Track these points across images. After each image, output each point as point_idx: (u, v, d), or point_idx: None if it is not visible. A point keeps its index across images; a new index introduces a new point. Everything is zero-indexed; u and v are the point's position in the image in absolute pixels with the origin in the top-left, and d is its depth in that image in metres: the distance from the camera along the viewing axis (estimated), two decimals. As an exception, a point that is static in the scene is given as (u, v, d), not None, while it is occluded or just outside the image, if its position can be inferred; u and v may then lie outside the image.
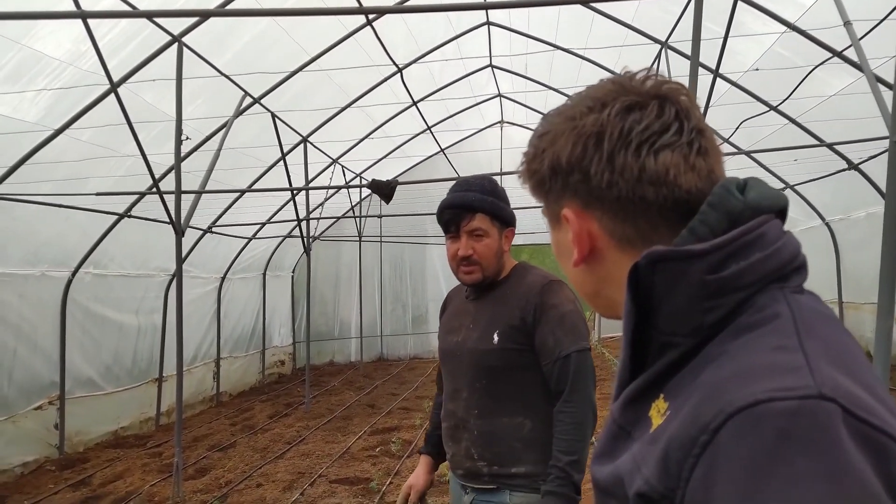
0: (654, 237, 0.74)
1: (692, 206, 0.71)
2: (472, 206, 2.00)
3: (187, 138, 5.51)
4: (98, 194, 6.14)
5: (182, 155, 5.69)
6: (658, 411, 0.67)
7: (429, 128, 10.55)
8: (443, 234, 2.10)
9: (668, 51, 6.89)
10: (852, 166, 7.88)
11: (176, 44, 5.40)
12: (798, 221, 10.91)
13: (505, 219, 2.06)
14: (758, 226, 0.67)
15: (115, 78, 5.12)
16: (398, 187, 6.32)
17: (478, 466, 1.98)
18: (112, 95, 5.08)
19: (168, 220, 5.67)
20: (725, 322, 0.65)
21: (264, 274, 11.96)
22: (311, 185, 8.61)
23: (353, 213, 11.66)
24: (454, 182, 2.15)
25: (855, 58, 5.30)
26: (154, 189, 5.63)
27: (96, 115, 5.72)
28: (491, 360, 1.98)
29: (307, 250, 9.57)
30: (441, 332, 2.23)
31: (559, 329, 1.93)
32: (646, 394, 0.70)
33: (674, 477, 0.59)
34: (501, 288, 2.08)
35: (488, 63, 9.22)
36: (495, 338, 1.98)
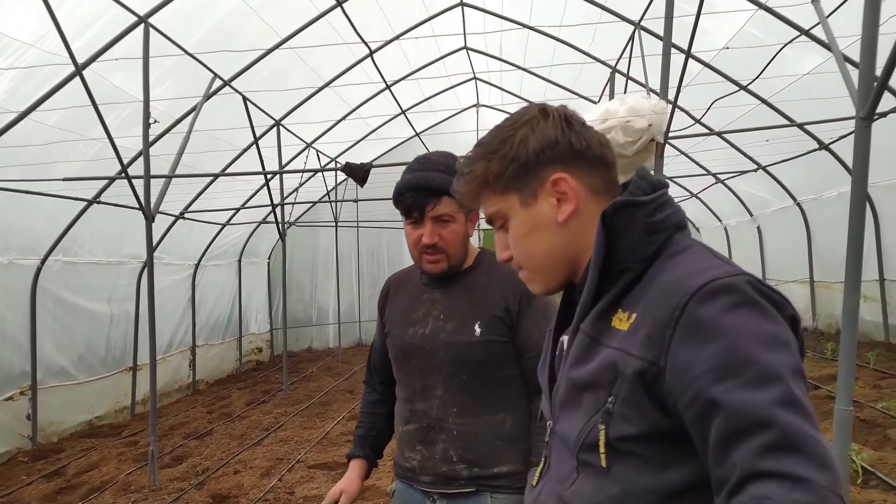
0: (611, 188, 1.09)
1: (613, 166, 1.10)
2: (437, 188, 1.79)
3: (155, 121, 5.40)
4: (65, 179, 6.01)
5: (151, 139, 5.59)
6: (620, 320, 0.96)
7: (403, 112, 10.48)
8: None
9: (641, 31, 6.89)
10: (823, 146, 7.97)
11: (142, 24, 5.28)
12: (770, 202, 11.04)
13: None
14: (665, 192, 1.03)
15: (80, 60, 5.00)
16: (374, 171, 6.29)
17: (456, 470, 1.81)
18: (77, 78, 4.96)
19: (138, 205, 5.58)
20: (658, 253, 0.99)
21: (239, 261, 11.84)
22: (285, 169, 8.51)
23: (329, 197, 11.56)
24: (414, 159, 1.91)
25: (823, 37, 5.35)
26: (123, 174, 5.53)
27: (61, 98, 5.58)
28: (473, 354, 1.81)
29: (282, 236, 9.49)
30: (395, 323, 1.98)
31: (543, 321, 1.81)
32: (608, 311, 0.99)
33: (657, 346, 0.88)
34: (472, 276, 1.91)
35: (463, 45, 9.16)
36: (477, 329, 1.81)
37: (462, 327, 1.84)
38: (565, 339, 1.10)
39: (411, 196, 1.82)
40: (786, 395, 0.80)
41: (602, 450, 0.94)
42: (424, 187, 1.80)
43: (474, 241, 2.07)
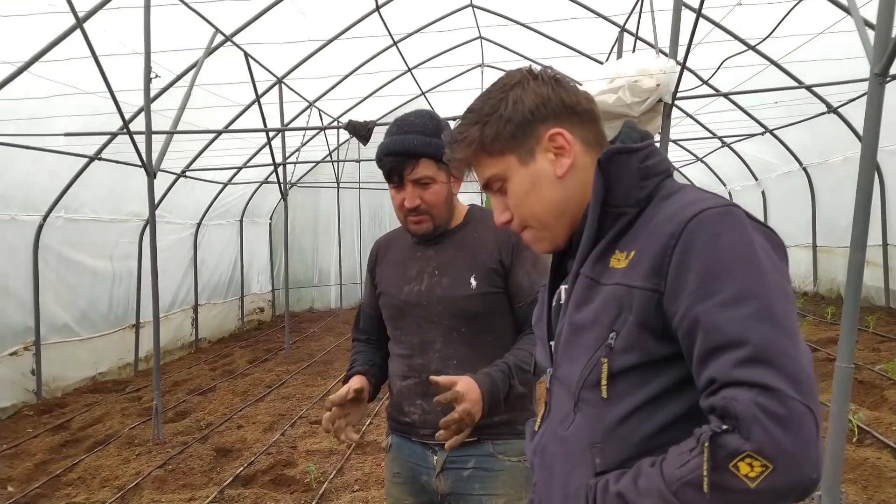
0: (601, 142, 1.14)
1: (601, 126, 1.14)
2: (414, 151, 1.79)
3: (156, 76, 5.32)
4: (66, 135, 5.96)
5: (152, 95, 5.52)
6: (618, 260, 1.01)
7: (410, 69, 10.32)
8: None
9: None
10: (832, 110, 7.88)
11: (142, -24, 5.16)
12: (776, 166, 10.97)
13: None
14: (653, 142, 1.09)
15: (81, 11, 4.90)
16: (377, 130, 6.22)
17: None
18: (78, 31, 4.87)
19: (139, 162, 5.54)
20: (651, 196, 1.05)
21: (241, 220, 11.82)
22: (287, 127, 8.42)
23: (331, 158, 11.49)
24: (393, 122, 1.90)
25: (839, -4, 5.23)
26: (125, 129, 5.48)
27: (61, 51, 5.49)
28: (470, 306, 1.84)
29: (284, 196, 9.44)
30: (389, 282, 1.98)
31: (533, 270, 1.88)
32: (606, 252, 1.05)
33: (657, 273, 0.94)
34: (464, 231, 1.94)
35: (469, 2, 8.99)
36: (472, 282, 1.85)
37: (458, 281, 1.86)
38: (563, 288, 1.15)
39: (390, 161, 1.82)
40: (765, 310, 0.85)
41: (604, 382, 0.99)
42: (402, 151, 1.80)
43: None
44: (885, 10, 2.71)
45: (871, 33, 2.89)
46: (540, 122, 1.09)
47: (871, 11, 3.44)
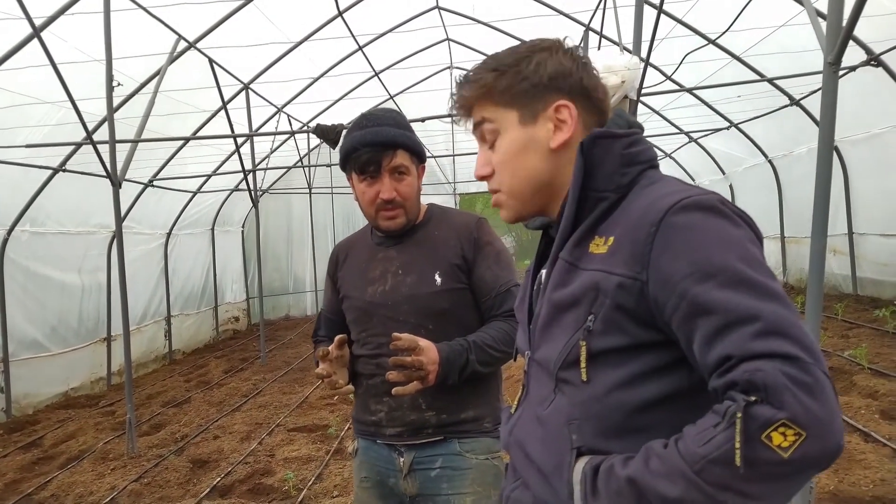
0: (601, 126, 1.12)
1: (605, 113, 1.14)
2: (394, 141, 1.80)
3: (119, 84, 5.25)
4: (28, 146, 5.85)
5: (115, 104, 5.45)
6: (597, 245, 1.02)
7: (376, 73, 10.32)
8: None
9: (614, -13, 6.82)
10: (794, 102, 8.02)
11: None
12: (742, 160, 11.15)
13: (421, 154, 1.90)
14: (639, 132, 1.10)
15: (39, 18, 4.82)
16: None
17: (425, 418, 1.83)
18: (35, 40, 4.79)
19: (104, 172, 5.45)
20: (632, 184, 1.05)
21: (212, 229, 11.70)
22: (255, 132, 8.36)
23: (302, 163, 11.41)
24: (358, 117, 1.89)
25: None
26: (88, 140, 5.39)
27: (19, 60, 5.39)
28: (436, 303, 1.84)
29: (255, 203, 9.36)
30: (352, 285, 1.96)
31: (496, 265, 1.88)
32: (585, 237, 1.05)
33: (638, 261, 0.94)
34: (425, 230, 1.93)
35: (435, 4, 9.01)
36: (437, 279, 1.84)
37: (422, 279, 1.85)
38: (544, 272, 1.14)
39: (367, 151, 1.80)
40: (764, 288, 0.86)
41: (583, 364, 0.99)
42: (380, 142, 1.80)
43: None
44: (836, 0, 2.77)
45: (823, 24, 2.95)
46: (554, 91, 1.09)
47: (824, 3, 3.54)
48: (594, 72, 1.12)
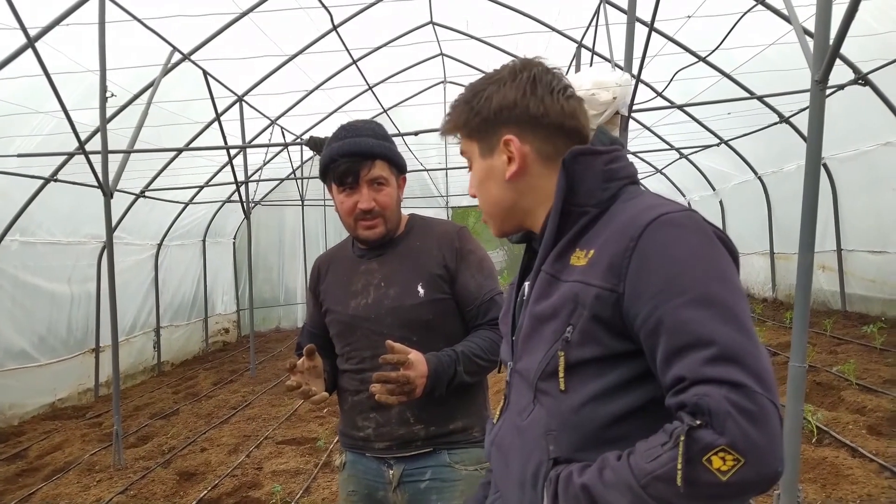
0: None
1: (584, 137, 1.14)
2: (371, 152, 1.81)
3: (112, 95, 5.26)
4: (20, 156, 5.84)
5: (108, 114, 5.44)
6: (578, 258, 1.04)
7: (370, 87, 10.37)
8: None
9: (606, 5, 6.90)
10: (783, 119, 8.11)
11: (96, -6, 5.11)
12: (732, 176, 11.23)
13: (401, 165, 1.91)
14: (620, 149, 1.12)
15: (32, 31, 4.83)
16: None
17: (414, 431, 1.82)
18: (30, 50, 4.79)
19: (96, 182, 5.44)
20: (613, 199, 1.07)
21: (204, 240, 11.67)
22: (248, 144, 8.37)
23: (295, 175, 11.42)
24: (337, 129, 1.90)
25: (783, 8, 5.40)
26: (80, 150, 5.39)
27: (13, 70, 5.39)
28: (420, 314, 1.83)
29: (247, 215, 9.36)
30: (335, 299, 1.94)
31: (479, 274, 1.88)
32: (566, 250, 1.07)
33: (616, 274, 0.96)
34: (406, 241, 1.92)
35: (429, 20, 9.08)
36: (420, 290, 1.83)
37: (405, 290, 1.85)
38: (527, 284, 1.17)
39: (345, 162, 1.81)
40: (727, 311, 0.89)
41: (561, 374, 1.01)
42: (358, 152, 1.81)
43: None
44: (823, 19, 2.82)
45: (811, 42, 3.00)
46: (501, 124, 1.12)
47: (812, 23, 3.60)
48: (549, 92, 1.11)
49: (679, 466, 0.82)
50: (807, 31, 4.23)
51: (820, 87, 2.84)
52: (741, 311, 0.90)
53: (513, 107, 1.11)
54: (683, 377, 0.86)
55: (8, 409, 6.92)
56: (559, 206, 1.07)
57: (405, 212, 2.02)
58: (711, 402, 0.82)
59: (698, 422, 0.82)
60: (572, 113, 1.12)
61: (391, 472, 1.86)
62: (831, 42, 2.81)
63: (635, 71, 5.20)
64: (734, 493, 0.82)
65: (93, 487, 5.09)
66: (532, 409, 1.07)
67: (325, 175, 1.88)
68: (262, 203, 12.56)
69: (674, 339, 0.89)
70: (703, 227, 0.96)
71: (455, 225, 2.00)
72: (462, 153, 1.23)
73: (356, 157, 1.81)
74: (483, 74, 1.20)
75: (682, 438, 0.82)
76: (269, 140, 9.96)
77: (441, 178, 14.02)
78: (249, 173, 9.20)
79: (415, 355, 1.66)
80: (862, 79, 6.22)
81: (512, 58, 1.20)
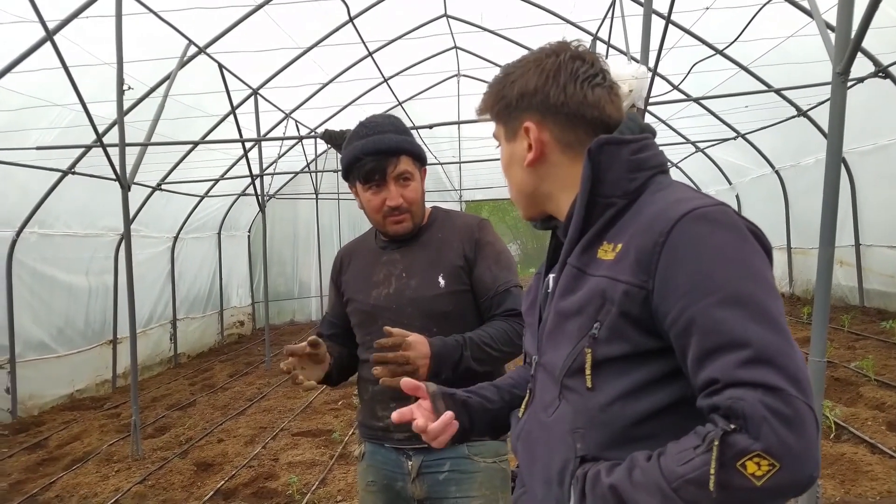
0: (587, 144, 1.07)
1: (610, 127, 1.09)
2: (397, 148, 1.81)
3: (129, 88, 5.29)
4: (38, 148, 5.89)
5: (126, 107, 5.49)
6: (605, 251, 1.01)
7: (385, 80, 10.36)
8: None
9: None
10: (801, 113, 8.02)
11: (114, -12, 5.14)
12: (749, 170, 11.13)
13: (423, 158, 1.92)
14: (650, 136, 1.09)
15: (51, 24, 4.87)
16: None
17: None
18: (48, 43, 4.84)
19: (113, 175, 5.49)
20: (641, 190, 1.04)
21: (219, 233, 11.74)
22: (263, 137, 8.40)
23: (310, 168, 11.45)
24: (357, 126, 1.90)
25: (804, 1, 5.34)
26: (98, 142, 5.43)
27: (32, 63, 5.44)
28: (440, 305, 1.84)
29: (262, 208, 9.40)
30: (356, 289, 1.96)
31: (496, 266, 1.88)
32: (593, 243, 1.05)
33: (645, 270, 0.94)
34: (429, 232, 1.94)
35: (443, 13, 9.05)
36: (441, 281, 1.84)
37: (426, 281, 1.86)
38: (552, 277, 1.16)
39: (371, 160, 1.80)
40: (761, 311, 0.86)
41: (588, 372, 1.00)
42: (384, 150, 1.80)
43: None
44: (845, 11, 2.78)
45: (832, 35, 2.96)
46: (523, 111, 1.11)
47: (833, 15, 3.55)
48: (572, 79, 1.08)
49: (712, 471, 0.81)
50: (828, 24, 4.19)
51: (841, 79, 2.81)
52: (776, 311, 0.87)
53: (534, 94, 1.09)
54: (717, 379, 0.85)
55: (28, 398, 7.02)
56: (585, 197, 1.04)
57: None
58: (746, 406, 0.80)
59: (732, 426, 0.81)
60: (595, 102, 1.08)
61: (410, 462, 1.86)
62: (853, 35, 2.77)
63: (651, 63, 5.17)
64: (768, 497, 0.81)
65: (112, 477, 5.15)
66: (558, 405, 1.06)
67: (349, 174, 1.88)
68: (277, 196, 12.61)
69: (706, 340, 0.87)
70: (736, 222, 0.93)
71: (476, 217, 2.00)
72: (493, 135, 1.23)
73: (382, 154, 1.80)
74: (511, 62, 1.18)
75: (717, 443, 0.81)
76: (284, 133, 9.99)
77: (455, 171, 14.00)
78: (264, 166, 9.24)
79: (414, 337, 1.67)
80: (882, 71, 6.13)
81: (526, 51, 1.19)
